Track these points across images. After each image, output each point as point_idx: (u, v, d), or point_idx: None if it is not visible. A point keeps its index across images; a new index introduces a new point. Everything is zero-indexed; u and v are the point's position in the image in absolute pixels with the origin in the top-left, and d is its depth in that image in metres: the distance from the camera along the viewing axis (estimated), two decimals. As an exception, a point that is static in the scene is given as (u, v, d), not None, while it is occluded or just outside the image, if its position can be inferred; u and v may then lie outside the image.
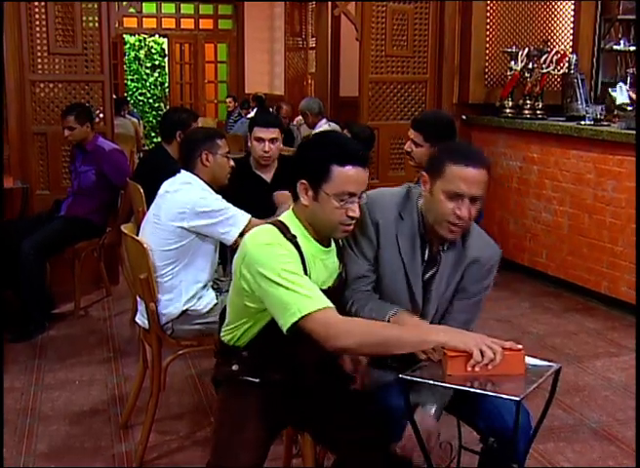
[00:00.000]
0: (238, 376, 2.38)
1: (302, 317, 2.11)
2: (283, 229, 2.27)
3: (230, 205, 3.38)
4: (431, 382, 2.11)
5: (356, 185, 2.25)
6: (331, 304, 2.16)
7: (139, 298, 3.41)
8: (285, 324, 2.14)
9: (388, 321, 2.32)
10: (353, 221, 2.28)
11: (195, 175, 3.44)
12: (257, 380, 2.35)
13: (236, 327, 2.38)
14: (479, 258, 2.48)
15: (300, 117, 8.50)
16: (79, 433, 3.57)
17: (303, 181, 2.26)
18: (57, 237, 4.97)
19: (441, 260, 2.47)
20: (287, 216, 2.34)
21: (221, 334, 2.45)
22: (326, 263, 2.37)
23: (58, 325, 5.02)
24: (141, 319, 3.38)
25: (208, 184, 3.44)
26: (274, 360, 2.34)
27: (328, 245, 2.38)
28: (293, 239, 2.25)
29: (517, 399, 2.00)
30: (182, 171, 3.48)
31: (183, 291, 3.33)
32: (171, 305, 3.30)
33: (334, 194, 2.22)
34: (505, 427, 2.30)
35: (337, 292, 2.39)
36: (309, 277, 2.24)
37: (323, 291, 2.24)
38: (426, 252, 2.47)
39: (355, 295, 2.46)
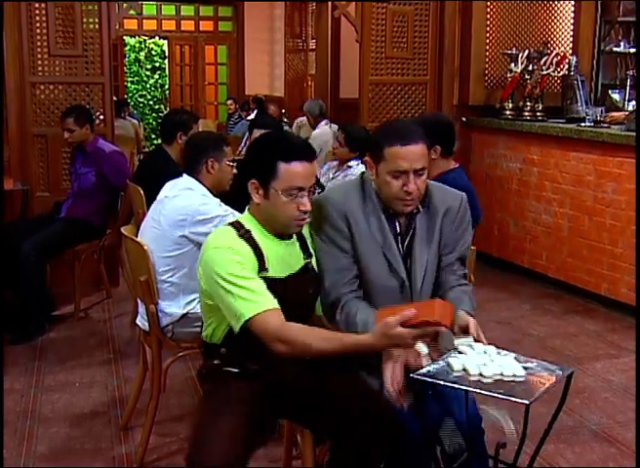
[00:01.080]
0: (220, 368, 2.43)
1: (246, 321, 2.23)
2: (237, 226, 2.37)
3: (231, 210, 3.37)
4: (442, 383, 2.11)
5: (303, 180, 2.33)
6: (274, 305, 2.25)
7: (139, 301, 3.41)
8: (234, 327, 2.29)
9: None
10: (306, 215, 2.37)
11: (198, 180, 3.43)
12: (236, 370, 2.40)
13: (209, 324, 2.47)
14: (449, 207, 2.62)
15: (301, 118, 8.53)
16: (79, 435, 3.57)
17: (254, 181, 2.35)
18: (57, 238, 4.97)
19: (416, 224, 2.58)
20: (243, 216, 2.45)
21: (202, 333, 2.54)
22: (287, 254, 2.43)
23: (58, 326, 5.02)
24: (142, 321, 3.38)
25: (209, 190, 3.44)
26: (251, 352, 2.36)
27: (289, 237, 2.46)
28: (246, 234, 2.34)
29: (527, 402, 2.00)
30: (185, 175, 3.47)
31: (182, 298, 3.32)
32: (171, 309, 3.29)
33: (282, 190, 2.31)
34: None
35: (301, 279, 2.44)
36: (268, 269, 2.32)
37: (286, 278, 2.37)
38: (397, 225, 2.57)
39: (345, 297, 2.51)
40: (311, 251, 2.53)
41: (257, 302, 2.24)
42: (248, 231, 2.36)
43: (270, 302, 2.25)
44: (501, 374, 2.12)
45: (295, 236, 2.49)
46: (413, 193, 2.46)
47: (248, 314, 2.23)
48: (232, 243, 2.31)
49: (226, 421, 2.24)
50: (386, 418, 2.31)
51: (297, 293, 2.40)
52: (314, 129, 7.22)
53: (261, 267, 2.32)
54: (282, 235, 2.43)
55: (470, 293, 2.60)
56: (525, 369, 2.16)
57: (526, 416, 2.09)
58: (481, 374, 2.11)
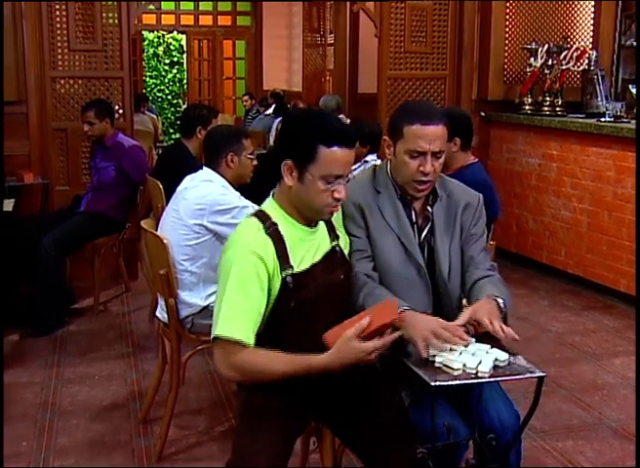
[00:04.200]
0: None
1: (219, 336, 2.15)
2: (263, 218, 2.26)
3: (250, 203, 3.39)
4: (459, 382, 2.10)
5: (343, 167, 2.21)
6: (247, 339, 2.16)
7: (158, 293, 3.42)
8: (212, 331, 2.20)
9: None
10: (339, 203, 2.27)
11: (218, 173, 3.44)
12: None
13: None
14: (469, 202, 2.62)
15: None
16: (99, 428, 3.59)
17: (288, 162, 2.21)
18: (76, 232, 5.00)
19: (433, 215, 2.56)
20: (267, 206, 2.33)
21: None
22: (313, 243, 2.35)
23: (77, 320, 5.06)
24: (162, 313, 3.39)
25: (229, 182, 3.45)
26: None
27: (315, 225, 2.36)
28: (272, 228, 2.24)
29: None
30: (205, 167, 3.49)
31: (203, 289, 3.33)
32: (192, 299, 3.31)
33: (320, 176, 2.18)
34: (493, 428, 2.34)
35: (328, 264, 2.36)
36: (293, 266, 2.24)
37: (311, 268, 2.29)
38: (412, 213, 2.55)
39: (366, 287, 2.43)
40: (338, 233, 2.45)
41: (235, 327, 2.15)
42: (274, 224, 2.24)
43: (246, 334, 2.16)
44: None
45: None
46: (429, 175, 2.42)
47: (220, 331, 2.15)
48: (257, 245, 2.19)
49: (266, 438, 2.21)
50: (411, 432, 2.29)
51: (325, 280, 2.31)
52: None
53: (285, 265, 2.23)
54: (309, 221, 2.33)
55: (497, 281, 2.53)
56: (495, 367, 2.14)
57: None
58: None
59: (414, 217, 2.55)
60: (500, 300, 2.36)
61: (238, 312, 2.17)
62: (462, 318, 2.28)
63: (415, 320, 2.24)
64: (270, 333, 2.29)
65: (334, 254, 2.40)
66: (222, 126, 4.23)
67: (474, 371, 2.10)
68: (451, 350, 2.17)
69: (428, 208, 2.57)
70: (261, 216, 2.27)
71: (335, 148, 2.17)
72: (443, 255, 2.54)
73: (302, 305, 2.27)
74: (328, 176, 2.19)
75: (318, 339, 2.18)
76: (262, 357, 2.18)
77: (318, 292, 2.29)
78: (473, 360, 2.13)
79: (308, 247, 2.33)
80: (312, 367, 2.15)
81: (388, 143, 2.53)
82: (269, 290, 2.23)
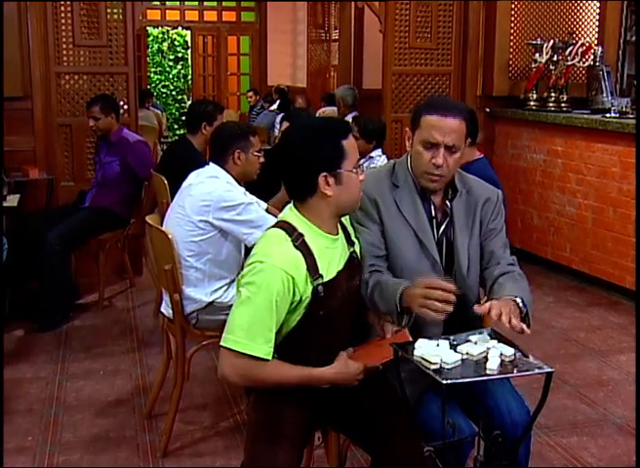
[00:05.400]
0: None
1: (231, 348, 2.18)
2: (289, 230, 2.26)
3: (255, 199, 3.38)
4: (468, 380, 2.07)
5: (358, 151, 2.36)
6: (264, 355, 2.18)
7: (163, 289, 3.42)
8: (222, 340, 2.21)
9: (400, 298, 2.29)
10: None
11: (224, 169, 3.44)
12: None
13: None
14: (489, 197, 2.60)
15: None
16: (104, 422, 3.60)
17: (324, 174, 2.24)
18: (81, 228, 5.00)
19: (452, 210, 2.54)
20: (290, 216, 2.32)
21: None
22: (336, 250, 2.36)
23: (82, 315, 5.07)
24: (167, 309, 3.39)
25: (235, 179, 3.44)
26: (304, 361, 2.29)
27: (336, 232, 2.38)
28: (299, 239, 2.24)
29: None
30: (211, 163, 3.48)
31: (208, 284, 3.34)
32: (197, 295, 3.31)
33: (353, 167, 2.28)
34: (504, 424, 2.32)
35: (348, 271, 2.37)
36: (322, 275, 2.25)
37: (337, 276, 2.30)
38: (431, 208, 2.53)
39: (373, 276, 2.44)
40: (353, 239, 2.46)
41: (260, 344, 2.17)
42: (301, 235, 2.25)
43: (268, 351, 2.19)
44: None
45: (339, 227, 2.41)
46: (441, 168, 2.40)
47: (244, 348, 2.16)
48: (289, 263, 2.20)
49: (285, 442, 2.22)
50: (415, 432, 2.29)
51: (348, 287, 2.35)
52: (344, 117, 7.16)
53: (315, 276, 2.23)
54: (330, 229, 2.34)
55: (517, 277, 2.52)
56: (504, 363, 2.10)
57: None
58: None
59: (433, 212, 2.53)
60: (518, 300, 2.33)
61: (264, 329, 2.19)
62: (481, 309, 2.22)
63: (408, 299, 2.26)
64: (297, 341, 2.30)
65: (352, 261, 2.42)
66: (230, 122, 4.22)
67: (450, 367, 2.06)
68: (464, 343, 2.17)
69: (447, 203, 2.55)
70: (287, 228, 2.27)
71: (350, 137, 2.30)
72: (462, 250, 2.52)
73: (330, 313, 2.29)
74: (356, 164, 2.29)
75: (341, 346, 2.30)
76: (274, 372, 2.23)
77: (343, 299, 2.32)
78: (476, 348, 2.12)
79: (332, 254, 2.34)
80: (314, 378, 2.26)
81: (409, 135, 2.52)
82: (300, 300, 2.24)
